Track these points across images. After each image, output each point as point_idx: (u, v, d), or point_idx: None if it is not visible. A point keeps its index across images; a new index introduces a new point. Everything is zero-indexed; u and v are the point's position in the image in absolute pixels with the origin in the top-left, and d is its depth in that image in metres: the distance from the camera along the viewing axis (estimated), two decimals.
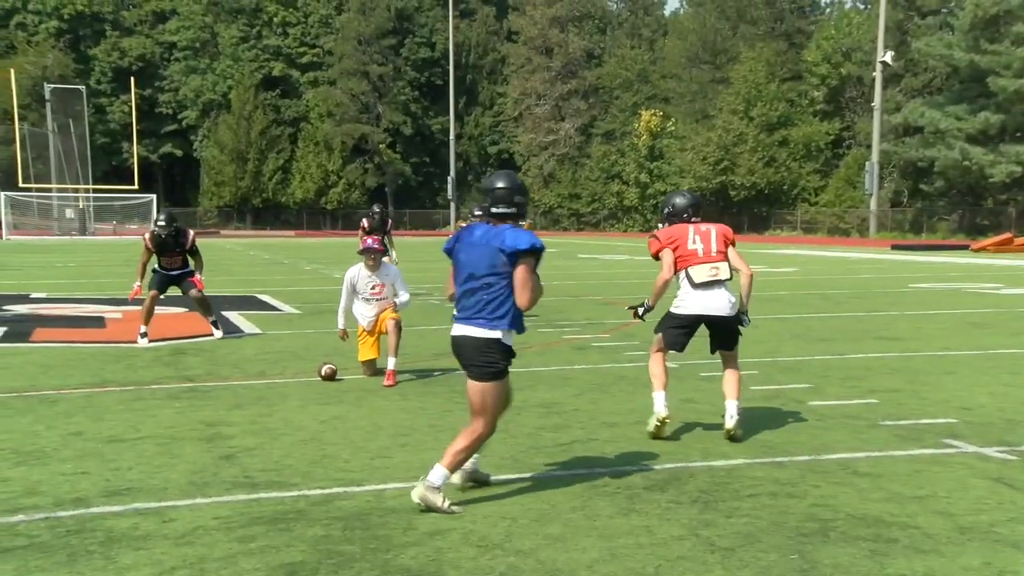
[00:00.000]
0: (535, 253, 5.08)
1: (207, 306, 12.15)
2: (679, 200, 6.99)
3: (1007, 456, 6.27)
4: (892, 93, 53.37)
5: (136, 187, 59.06)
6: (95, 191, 61.41)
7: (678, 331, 6.74)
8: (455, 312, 5.33)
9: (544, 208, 72.55)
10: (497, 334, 5.14)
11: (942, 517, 5.02)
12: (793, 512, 5.08)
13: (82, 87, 66.36)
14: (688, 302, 6.63)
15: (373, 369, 9.21)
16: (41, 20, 75.47)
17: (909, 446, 6.50)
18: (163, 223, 11.66)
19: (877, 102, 51.98)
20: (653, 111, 67.21)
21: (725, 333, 6.76)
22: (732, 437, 6.54)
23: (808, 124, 61.33)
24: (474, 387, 5.17)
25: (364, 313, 9.23)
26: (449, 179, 71.73)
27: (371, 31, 73.91)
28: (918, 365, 9.91)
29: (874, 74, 52.57)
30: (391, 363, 8.89)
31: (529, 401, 7.92)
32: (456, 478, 5.36)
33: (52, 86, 64.12)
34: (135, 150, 63.73)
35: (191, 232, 12.20)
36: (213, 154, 74.32)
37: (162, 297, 12.10)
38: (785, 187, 60.84)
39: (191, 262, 12.07)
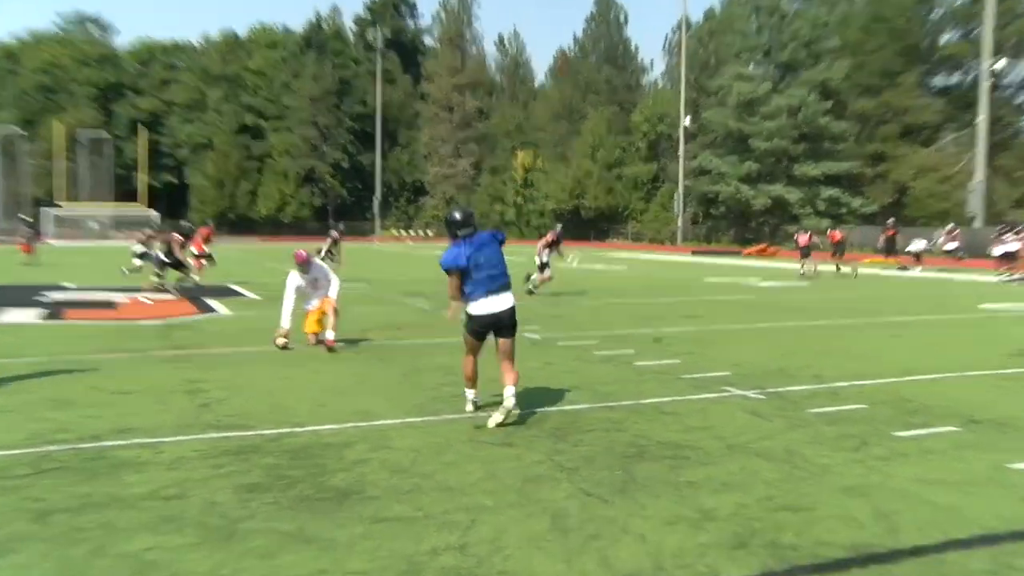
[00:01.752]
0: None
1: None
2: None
3: (760, 396, 6.50)
4: (691, 146, 54.64)
5: (143, 205, 57.81)
6: (114, 208, 59.87)
7: None
8: (485, 291, 5.54)
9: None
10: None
11: (718, 440, 5.20)
12: (619, 441, 5.15)
13: (107, 134, 65.08)
14: None
15: (315, 340, 8.93)
16: (82, 88, 73.35)
17: (699, 392, 6.66)
18: (188, 226, 13.96)
19: (681, 152, 53.33)
20: (526, 152, 67.14)
21: None
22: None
23: (635, 165, 61.94)
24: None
25: (308, 305, 9.04)
26: (374, 200, 70.79)
27: (319, 92, 72.36)
28: (707, 336, 10.16)
29: (678, 133, 53.98)
30: (331, 334, 8.68)
31: (432, 364, 7.88)
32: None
33: (86, 133, 63.17)
34: (144, 178, 61.95)
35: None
36: (200, 181, 71.92)
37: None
38: (620, 209, 61.55)
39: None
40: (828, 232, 26.55)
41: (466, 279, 5.58)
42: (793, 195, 47.55)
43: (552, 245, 15.47)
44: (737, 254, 40.90)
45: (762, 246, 41.79)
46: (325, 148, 73.72)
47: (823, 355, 8.61)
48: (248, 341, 9.37)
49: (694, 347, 9.13)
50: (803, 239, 23.52)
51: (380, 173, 71.99)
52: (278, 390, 6.65)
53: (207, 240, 18.52)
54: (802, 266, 22.82)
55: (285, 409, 5.97)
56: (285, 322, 8.77)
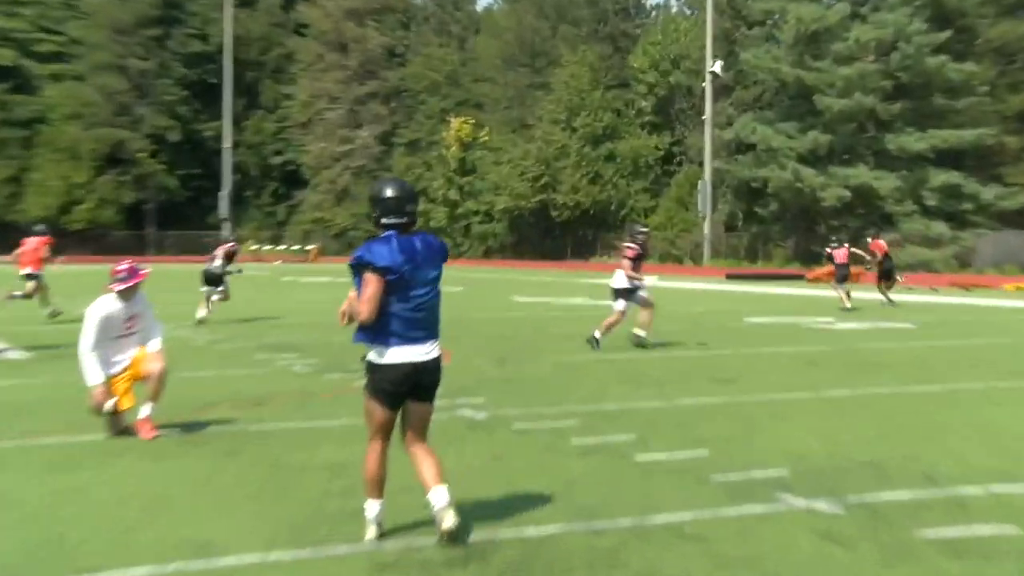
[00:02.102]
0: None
1: None
2: None
3: (835, 510, 6.52)
4: (723, 106, 55.41)
5: None
6: None
7: None
8: (407, 331, 5.56)
9: (336, 229, 71.93)
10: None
11: None
12: None
13: None
14: None
15: (123, 424, 8.67)
16: None
17: (739, 502, 6.66)
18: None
19: (708, 114, 53.94)
20: (464, 118, 67.68)
21: None
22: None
23: (636, 137, 62.71)
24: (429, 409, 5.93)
25: (116, 358, 8.70)
26: (221, 195, 70.05)
27: (130, 18, 72.07)
28: (751, 410, 10.20)
29: (704, 84, 54.57)
30: (148, 409, 8.51)
31: (313, 461, 7.80)
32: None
33: None
34: None
35: None
36: None
37: None
38: (612, 207, 61.96)
39: None
40: (871, 240, 28.04)
41: (384, 303, 5.47)
42: (885, 182, 47.69)
43: (638, 259, 16.02)
44: (799, 278, 41.46)
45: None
46: (141, 110, 73.25)
47: (937, 440, 8.69)
48: (2, 430, 9.09)
49: (729, 428, 9.18)
50: (841, 254, 25.27)
51: (231, 151, 71.73)
52: (56, 513, 6.48)
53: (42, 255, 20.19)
54: (838, 292, 24.80)
55: (65, 544, 5.80)
56: (94, 376, 8.41)
